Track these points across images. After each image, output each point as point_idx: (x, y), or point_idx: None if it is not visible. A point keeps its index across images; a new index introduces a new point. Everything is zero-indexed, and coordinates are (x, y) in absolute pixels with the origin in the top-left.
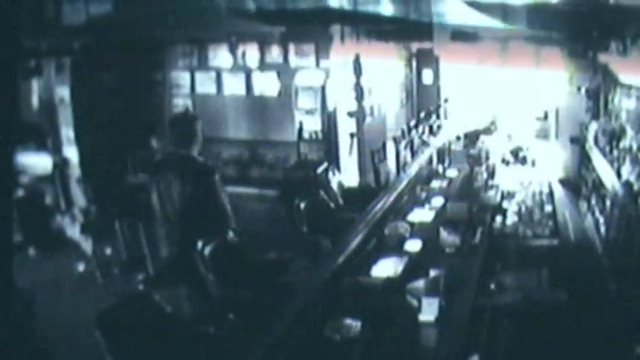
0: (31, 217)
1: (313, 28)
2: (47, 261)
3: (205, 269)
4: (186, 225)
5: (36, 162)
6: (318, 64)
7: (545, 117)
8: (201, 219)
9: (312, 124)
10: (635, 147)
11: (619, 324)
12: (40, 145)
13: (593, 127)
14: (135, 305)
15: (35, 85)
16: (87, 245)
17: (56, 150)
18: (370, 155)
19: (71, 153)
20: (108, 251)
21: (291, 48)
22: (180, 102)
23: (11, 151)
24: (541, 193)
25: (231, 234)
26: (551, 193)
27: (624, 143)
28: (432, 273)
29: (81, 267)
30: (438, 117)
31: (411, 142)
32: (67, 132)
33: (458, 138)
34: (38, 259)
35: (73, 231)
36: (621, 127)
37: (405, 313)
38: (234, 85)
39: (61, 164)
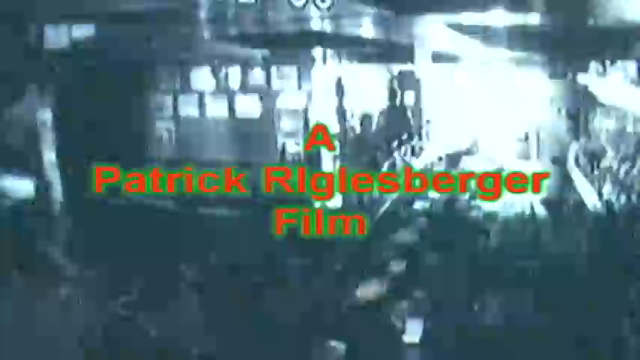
0: (14, 240)
1: (295, 51)
2: (31, 284)
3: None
4: None
5: (19, 185)
6: (300, 86)
7: (526, 138)
8: None
9: (295, 146)
10: (615, 167)
11: (602, 341)
12: (23, 168)
13: (574, 147)
14: (118, 329)
15: (18, 110)
16: (71, 268)
17: (39, 173)
18: None
19: (54, 176)
20: (92, 274)
21: (274, 71)
22: (163, 125)
23: None
24: (523, 213)
25: (213, 256)
26: (533, 213)
27: (605, 163)
28: (417, 294)
29: (65, 290)
30: (420, 138)
31: (394, 162)
32: (50, 155)
33: (440, 159)
34: (22, 283)
35: (57, 254)
36: (601, 147)
37: (389, 335)
38: (216, 108)
39: (43, 187)
